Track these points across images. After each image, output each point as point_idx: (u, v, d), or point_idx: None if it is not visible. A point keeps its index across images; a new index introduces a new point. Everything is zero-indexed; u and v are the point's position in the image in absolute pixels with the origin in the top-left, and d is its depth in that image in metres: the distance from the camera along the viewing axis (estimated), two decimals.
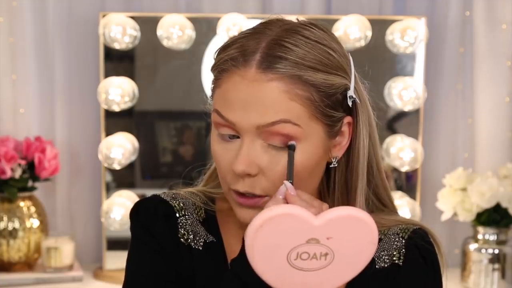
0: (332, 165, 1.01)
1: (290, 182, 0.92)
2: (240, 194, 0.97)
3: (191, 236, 1.06)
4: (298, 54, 0.94)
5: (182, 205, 1.08)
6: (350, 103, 0.99)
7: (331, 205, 1.04)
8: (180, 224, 1.07)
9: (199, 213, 1.08)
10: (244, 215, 0.98)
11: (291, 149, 0.93)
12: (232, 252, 1.05)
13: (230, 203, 1.00)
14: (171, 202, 1.08)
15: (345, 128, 1.00)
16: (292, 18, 1.01)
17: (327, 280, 0.87)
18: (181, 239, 1.06)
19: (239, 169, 0.94)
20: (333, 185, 1.04)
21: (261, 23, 0.99)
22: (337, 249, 0.84)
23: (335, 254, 0.85)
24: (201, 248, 1.06)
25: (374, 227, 0.84)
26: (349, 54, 1.02)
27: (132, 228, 1.08)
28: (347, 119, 1.00)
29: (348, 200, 1.03)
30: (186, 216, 1.07)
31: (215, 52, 0.99)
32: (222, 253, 1.06)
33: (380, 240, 1.05)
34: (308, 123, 0.94)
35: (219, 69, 0.97)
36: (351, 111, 1.00)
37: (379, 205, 1.08)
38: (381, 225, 1.05)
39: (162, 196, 1.09)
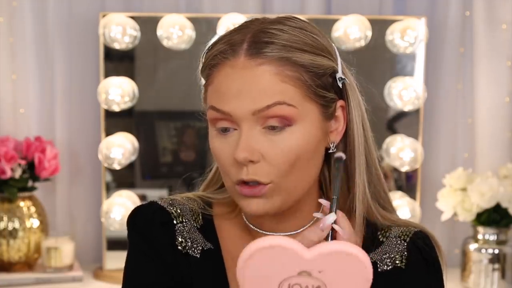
0: (330, 151, 1.01)
1: (335, 197, 0.90)
2: (244, 184, 0.96)
3: (189, 243, 1.06)
4: (283, 37, 0.96)
5: (179, 211, 1.07)
6: (340, 85, 1.00)
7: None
8: (178, 231, 1.06)
9: (196, 219, 1.08)
10: (251, 206, 0.97)
11: (339, 161, 0.91)
12: (230, 258, 1.05)
13: (236, 200, 1.00)
14: (168, 209, 1.07)
15: (339, 113, 1.01)
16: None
17: None
18: (179, 247, 1.05)
19: (241, 156, 0.94)
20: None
21: (245, 21, 1.01)
22: (330, 282, 0.82)
23: (328, 287, 0.84)
24: (198, 256, 1.05)
25: (368, 263, 0.81)
26: (335, 45, 1.04)
27: (129, 234, 1.08)
28: (340, 102, 1.01)
29: (348, 186, 1.04)
30: (184, 223, 1.07)
31: (203, 54, 1.01)
32: (219, 260, 1.05)
33: (381, 243, 1.05)
34: (302, 103, 0.95)
35: (209, 66, 0.98)
36: (342, 95, 1.02)
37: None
38: (390, 221, 1.06)
39: (160, 202, 1.08)
